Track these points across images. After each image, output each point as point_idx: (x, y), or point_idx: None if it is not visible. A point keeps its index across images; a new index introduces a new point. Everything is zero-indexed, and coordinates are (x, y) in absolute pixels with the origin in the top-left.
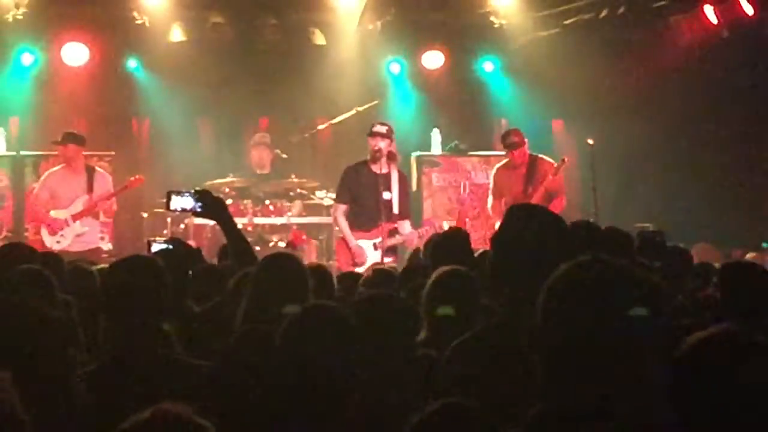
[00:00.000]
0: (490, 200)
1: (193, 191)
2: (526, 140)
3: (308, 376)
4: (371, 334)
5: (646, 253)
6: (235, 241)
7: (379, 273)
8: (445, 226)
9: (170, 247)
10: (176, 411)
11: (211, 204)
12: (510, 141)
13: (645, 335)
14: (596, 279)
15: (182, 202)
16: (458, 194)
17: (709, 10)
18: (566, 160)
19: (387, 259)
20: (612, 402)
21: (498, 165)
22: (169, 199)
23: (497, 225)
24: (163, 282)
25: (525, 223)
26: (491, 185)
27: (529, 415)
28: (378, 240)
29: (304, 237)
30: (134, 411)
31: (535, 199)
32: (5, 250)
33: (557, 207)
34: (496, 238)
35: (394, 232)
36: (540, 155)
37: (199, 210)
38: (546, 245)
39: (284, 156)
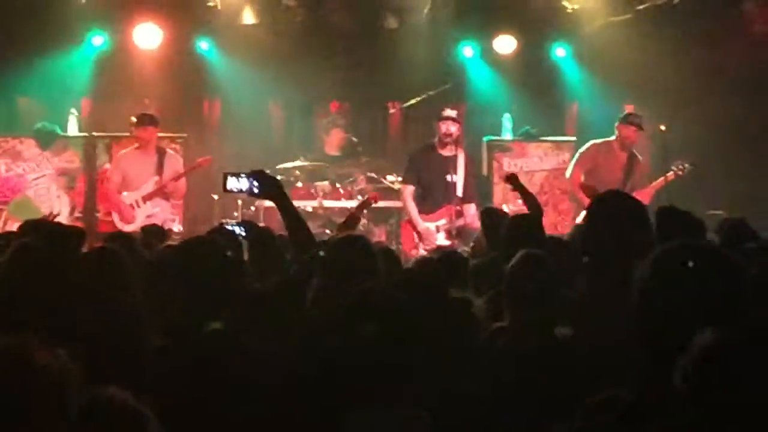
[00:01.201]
0: (571, 169)
1: (249, 172)
2: (642, 129)
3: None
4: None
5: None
6: (292, 222)
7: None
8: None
9: (242, 228)
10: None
11: (266, 184)
12: (634, 119)
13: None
14: (699, 259)
15: (238, 183)
16: (530, 179)
17: None
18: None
19: (446, 242)
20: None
21: (596, 141)
22: (225, 180)
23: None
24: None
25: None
26: (579, 157)
27: (626, 397)
28: (441, 222)
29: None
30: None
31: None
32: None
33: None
34: (590, 222)
35: (458, 214)
36: (636, 153)
37: (255, 191)
38: (635, 231)
39: (355, 139)
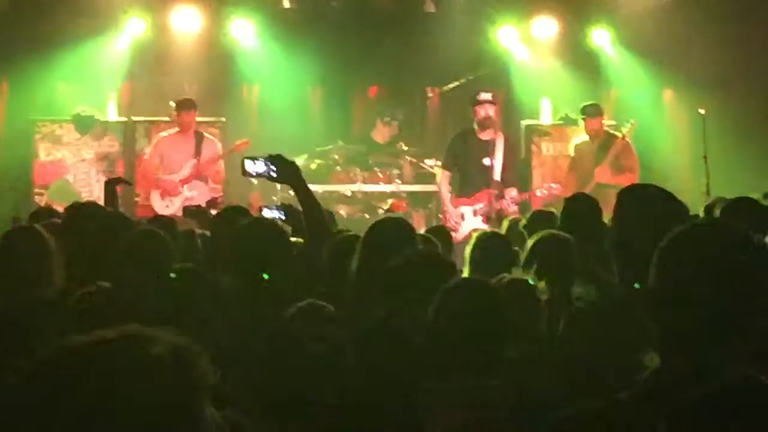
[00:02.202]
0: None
1: (266, 156)
2: (603, 116)
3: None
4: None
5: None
6: (308, 207)
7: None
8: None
9: (282, 212)
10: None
11: (284, 169)
12: (587, 109)
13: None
14: (711, 238)
15: (256, 167)
16: (568, 162)
17: None
18: (634, 122)
19: (483, 226)
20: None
21: (576, 140)
22: (243, 164)
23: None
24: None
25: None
26: (571, 161)
27: (644, 377)
28: (479, 206)
29: (405, 205)
30: None
31: (601, 170)
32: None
33: (626, 181)
34: (618, 218)
35: (498, 198)
36: (616, 132)
37: (272, 175)
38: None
39: (398, 126)
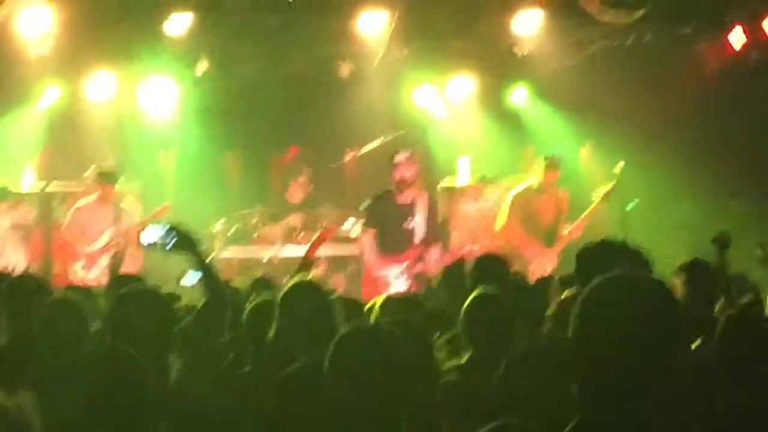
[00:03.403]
0: (502, 220)
1: (164, 226)
2: (558, 168)
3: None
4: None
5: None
6: (207, 277)
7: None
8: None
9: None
10: None
11: (181, 239)
12: (552, 161)
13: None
14: (627, 291)
15: (153, 236)
16: (487, 222)
17: (734, 36)
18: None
19: (406, 288)
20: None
21: (520, 187)
22: (139, 235)
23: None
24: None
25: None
26: (512, 206)
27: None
28: (402, 267)
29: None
30: None
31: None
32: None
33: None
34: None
35: (420, 259)
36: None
37: (170, 245)
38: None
39: (311, 186)
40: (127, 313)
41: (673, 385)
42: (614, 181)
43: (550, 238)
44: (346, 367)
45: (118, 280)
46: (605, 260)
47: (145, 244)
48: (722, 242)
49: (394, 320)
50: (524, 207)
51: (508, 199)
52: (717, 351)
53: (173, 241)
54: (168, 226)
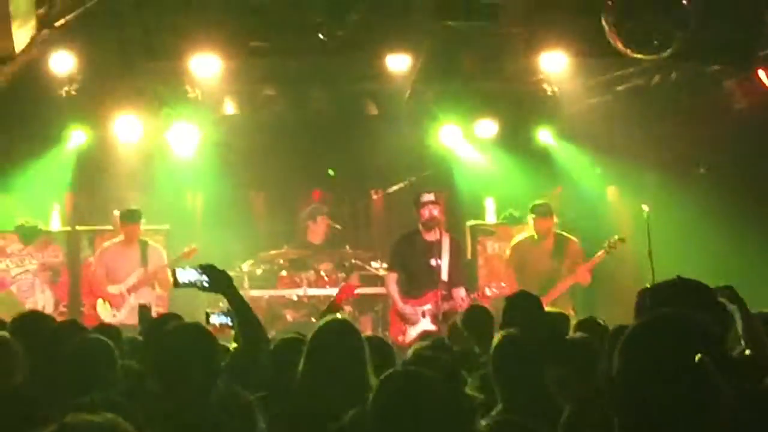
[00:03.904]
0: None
1: (198, 266)
2: (554, 215)
3: None
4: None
5: None
6: (242, 316)
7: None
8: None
9: (229, 318)
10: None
11: (216, 278)
12: (538, 209)
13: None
14: (669, 332)
15: (188, 276)
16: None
17: (764, 72)
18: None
19: (431, 327)
20: None
21: (518, 238)
22: (174, 275)
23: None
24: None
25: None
26: (508, 259)
27: None
28: (427, 307)
29: (356, 291)
30: None
31: (578, 275)
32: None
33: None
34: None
35: (446, 298)
36: (566, 234)
37: (204, 285)
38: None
39: (338, 227)
40: (175, 348)
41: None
42: (616, 238)
43: (545, 286)
44: (390, 410)
45: (162, 318)
46: (669, 299)
47: (181, 284)
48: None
49: (426, 360)
50: (520, 257)
51: (507, 250)
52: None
53: (209, 281)
54: (205, 267)
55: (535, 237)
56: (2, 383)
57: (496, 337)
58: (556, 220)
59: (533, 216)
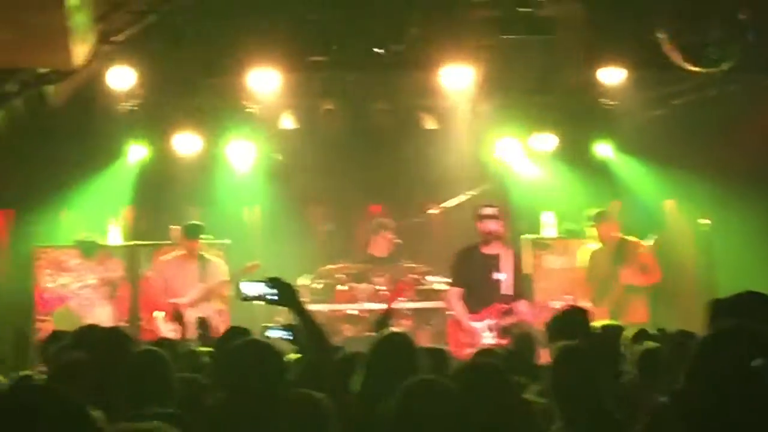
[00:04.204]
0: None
1: (265, 279)
2: (613, 220)
3: None
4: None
5: None
6: (309, 328)
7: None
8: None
9: (288, 332)
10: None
11: (284, 291)
12: (596, 216)
13: None
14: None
15: (254, 290)
16: (572, 276)
17: None
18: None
19: (493, 341)
20: None
21: (591, 248)
22: (239, 288)
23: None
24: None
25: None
26: (588, 269)
27: None
28: (490, 321)
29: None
30: None
31: (627, 272)
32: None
33: (651, 281)
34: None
35: (508, 312)
36: (629, 238)
37: (272, 298)
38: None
39: (398, 241)
40: (243, 364)
41: None
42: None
43: (603, 291)
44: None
45: (230, 331)
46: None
47: (247, 298)
48: None
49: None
50: (593, 266)
51: (585, 261)
52: None
53: (278, 294)
54: (273, 280)
55: (602, 246)
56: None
57: (554, 349)
58: (617, 223)
59: (593, 224)
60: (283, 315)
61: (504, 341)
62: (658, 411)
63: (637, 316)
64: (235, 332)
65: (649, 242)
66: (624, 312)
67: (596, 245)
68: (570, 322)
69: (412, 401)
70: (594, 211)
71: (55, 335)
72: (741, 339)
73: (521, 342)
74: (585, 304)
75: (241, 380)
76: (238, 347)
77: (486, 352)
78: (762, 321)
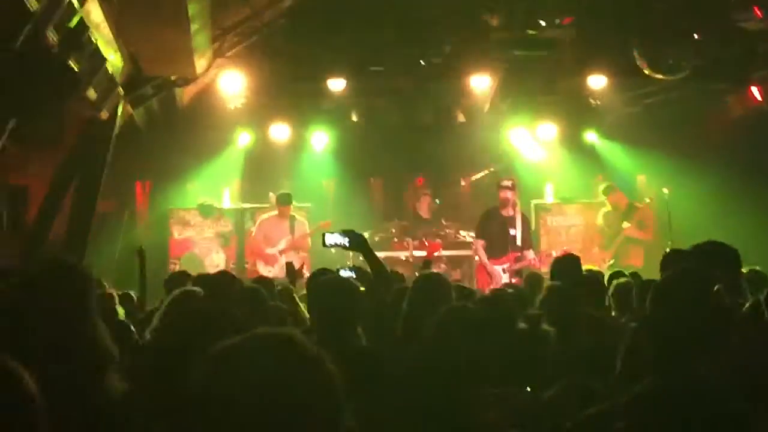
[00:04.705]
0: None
1: (341, 231)
2: (619, 191)
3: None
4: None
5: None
6: (375, 267)
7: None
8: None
9: (354, 272)
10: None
11: (355, 239)
12: (606, 189)
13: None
14: (693, 281)
15: (333, 239)
16: (567, 232)
17: (754, 90)
18: (651, 198)
19: (509, 281)
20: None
21: (604, 211)
22: (323, 238)
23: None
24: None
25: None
26: (601, 224)
27: (637, 390)
28: (506, 265)
29: (438, 251)
30: None
31: (629, 228)
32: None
33: (647, 236)
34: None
35: (520, 259)
36: (637, 203)
37: (347, 244)
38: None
39: (437, 201)
40: (328, 294)
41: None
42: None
43: (609, 241)
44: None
45: (317, 271)
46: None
47: (328, 245)
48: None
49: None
50: (605, 225)
51: (599, 219)
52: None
53: (351, 241)
54: (347, 231)
55: (613, 209)
56: None
57: (544, 287)
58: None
59: (605, 195)
60: (351, 260)
61: (516, 281)
62: (631, 333)
63: (634, 261)
64: (321, 271)
65: (646, 201)
66: (624, 257)
67: (608, 209)
68: (565, 266)
69: (447, 323)
70: (602, 186)
71: (182, 272)
72: (689, 278)
73: (529, 281)
74: (595, 250)
75: (328, 304)
76: (325, 281)
77: (501, 290)
78: (718, 263)
